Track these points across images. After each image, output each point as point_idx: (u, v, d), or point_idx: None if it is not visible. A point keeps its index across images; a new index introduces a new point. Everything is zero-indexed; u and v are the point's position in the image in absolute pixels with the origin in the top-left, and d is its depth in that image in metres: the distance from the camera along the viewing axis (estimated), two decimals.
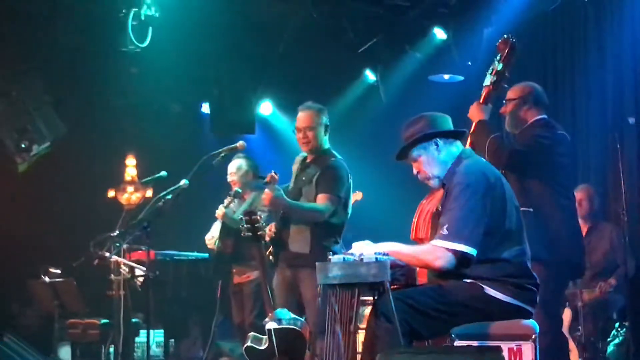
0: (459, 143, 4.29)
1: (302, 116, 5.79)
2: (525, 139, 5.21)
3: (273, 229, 5.73)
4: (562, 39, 8.18)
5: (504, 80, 5.15)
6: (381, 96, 9.30)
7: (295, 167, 5.99)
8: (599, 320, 6.89)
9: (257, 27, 8.79)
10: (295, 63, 9.35)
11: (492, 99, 5.22)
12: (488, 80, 5.15)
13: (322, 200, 5.58)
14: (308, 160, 5.83)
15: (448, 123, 4.29)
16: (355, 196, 7.04)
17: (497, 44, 5.21)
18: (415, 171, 4.29)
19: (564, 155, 5.21)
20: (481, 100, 5.19)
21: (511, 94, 5.34)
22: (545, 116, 5.32)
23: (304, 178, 5.69)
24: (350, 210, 5.83)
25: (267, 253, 5.81)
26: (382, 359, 3.52)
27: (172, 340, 9.15)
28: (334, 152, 5.85)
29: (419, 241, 4.44)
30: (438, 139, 4.20)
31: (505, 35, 5.19)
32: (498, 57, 5.14)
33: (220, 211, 6.58)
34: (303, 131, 5.75)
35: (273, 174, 5.66)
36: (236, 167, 6.92)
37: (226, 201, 6.62)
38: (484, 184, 4.04)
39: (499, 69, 5.10)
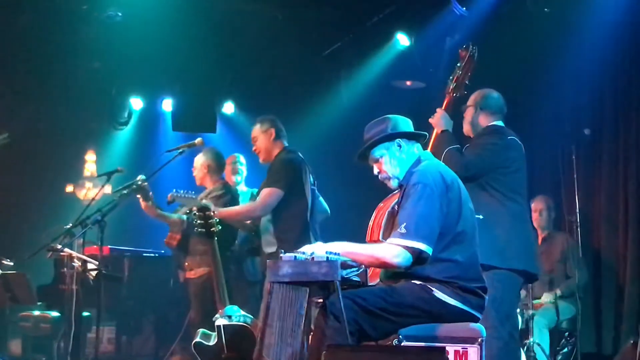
0: (419, 145, 4.36)
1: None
2: (476, 147, 5.27)
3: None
4: (522, 50, 8.25)
5: (464, 87, 5.26)
6: (343, 100, 9.32)
7: None
8: (548, 329, 6.95)
9: (222, 26, 8.77)
10: (259, 64, 9.35)
11: (453, 105, 5.32)
12: (449, 87, 5.27)
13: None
14: None
15: (409, 125, 4.37)
16: None
17: (459, 50, 5.30)
18: (375, 171, 4.33)
19: (514, 160, 5.25)
20: (443, 107, 5.30)
21: (471, 99, 5.42)
22: (497, 122, 5.38)
23: None
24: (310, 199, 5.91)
25: None
26: (327, 357, 3.52)
27: (125, 337, 9.10)
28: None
29: (373, 243, 4.47)
30: (400, 140, 4.26)
31: (465, 44, 5.29)
32: (459, 64, 5.25)
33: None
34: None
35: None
36: (204, 160, 6.88)
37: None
38: (441, 184, 4.10)
39: (459, 75, 5.22)
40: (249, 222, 6.18)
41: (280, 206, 5.77)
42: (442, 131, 5.26)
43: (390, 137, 4.26)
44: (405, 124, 4.35)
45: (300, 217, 5.79)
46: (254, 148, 6.19)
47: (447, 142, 5.20)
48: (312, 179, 6.03)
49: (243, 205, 5.83)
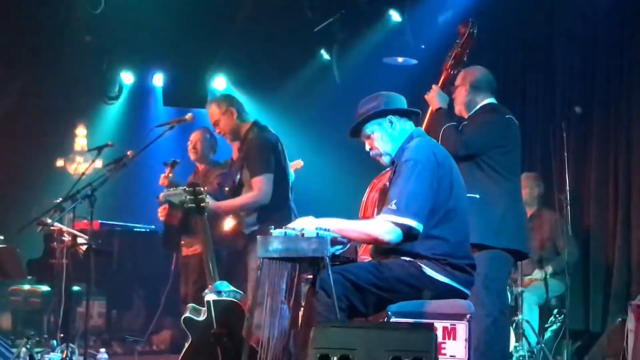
0: (411, 122, 4.34)
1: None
2: (476, 125, 5.24)
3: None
4: (513, 27, 8.26)
5: (462, 64, 5.24)
6: (335, 76, 9.29)
7: None
8: (537, 306, 6.98)
9: (214, 0, 8.74)
10: (251, 39, 9.31)
11: (450, 82, 5.30)
12: (447, 63, 5.24)
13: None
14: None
15: (403, 102, 4.36)
16: (295, 165, 6.99)
17: (458, 27, 5.27)
18: (367, 147, 4.33)
19: (511, 139, 5.24)
20: (440, 84, 5.29)
21: (459, 79, 5.38)
22: (491, 100, 5.36)
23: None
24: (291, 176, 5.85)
25: None
26: (316, 332, 3.53)
27: (115, 311, 9.13)
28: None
29: (367, 219, 4.48)
30: (392, 117, 4.26)
31: (466, 20, 5.27)
32: (458, 41, 5.23)
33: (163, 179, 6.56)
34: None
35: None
36: (203, 137, 6.87)
37: (167, 171, 6.58)
38: (433, 161, 4.10)
39: (458, 52, 5.20)
40: None
41: None
42: (438, 109, 5.23)
43: (382, 113, 4.25)
44: (399, 100, 4.34)
45: (282, 198, 5.69)
46: (217, 130, 5.96)
47: (443, 120, 5.17)
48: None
49: (244, 197, 5.67)
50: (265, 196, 5.56)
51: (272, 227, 4.00)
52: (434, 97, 5.25)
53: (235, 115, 5.82)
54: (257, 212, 5.64)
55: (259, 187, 5.58)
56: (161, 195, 6.07)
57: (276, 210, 5.59)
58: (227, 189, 5.90)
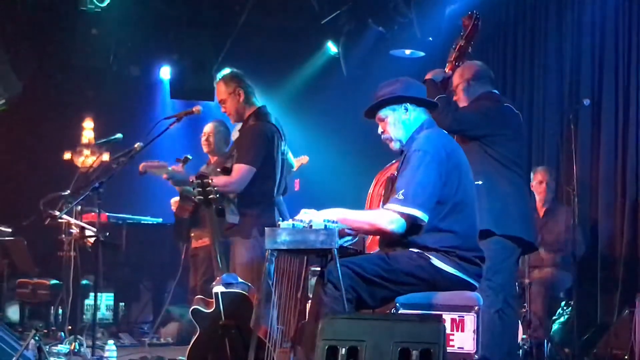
0: (427, 113, 4.33)
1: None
2: (470, 107, 5.29)
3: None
4: (523, 19, 8.24)
5: (466, 55, 5.25)
6: (342, 68, 9.28)
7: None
8: (545, 298, 6.96)
9: None
10: (258, 31, 9.30)
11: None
12: (452, 56, 5.25)
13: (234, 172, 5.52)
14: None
15: (422, 91, 4.37)
16: (301, 160, 6.95)
17: (462, 19, 5.28)
18: (380, 130, 4.33)
19: (510, 128, 5.25)
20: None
21: (456, 78, 5.39)
22: (491, 90, 5.38)
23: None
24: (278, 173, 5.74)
25: None
26: (325, 324, 3.54)
27: (123, 303, 9.15)
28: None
29: (369, 210, 4.47)
30: (408, 104, 4.25)
31: (470, 12, 5.27)
32: (462, 33, 5.23)
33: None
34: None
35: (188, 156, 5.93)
36: (217, 129, 6.83)
37: (178, 167, 6.53)
38: (442, 153, 4.10)
39: (462, 44, 5.21)
40: None
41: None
42: (428, 79, 5.21)
43: (399, 99, 4.25)
44: (418, 88, 4.34)
45: (266, 194, 5.53)
46: (222, 109, 5.81)
47: (432, 90, 5.12)
48: (283, 147, 5.71)
49: (220, 178, 5.57)
50: (238, 186, 5.42)
51: (280, 219, 3.99)
52: (431, 72, 5.26)
53: (242, 98, 5.69)
54: (237, 204, 5.53)
55: (236, 175, 5.45)
56: (142, 165, 5.94)
57: (258, 203, 5.50)
58: (218, 169, 5.83)
